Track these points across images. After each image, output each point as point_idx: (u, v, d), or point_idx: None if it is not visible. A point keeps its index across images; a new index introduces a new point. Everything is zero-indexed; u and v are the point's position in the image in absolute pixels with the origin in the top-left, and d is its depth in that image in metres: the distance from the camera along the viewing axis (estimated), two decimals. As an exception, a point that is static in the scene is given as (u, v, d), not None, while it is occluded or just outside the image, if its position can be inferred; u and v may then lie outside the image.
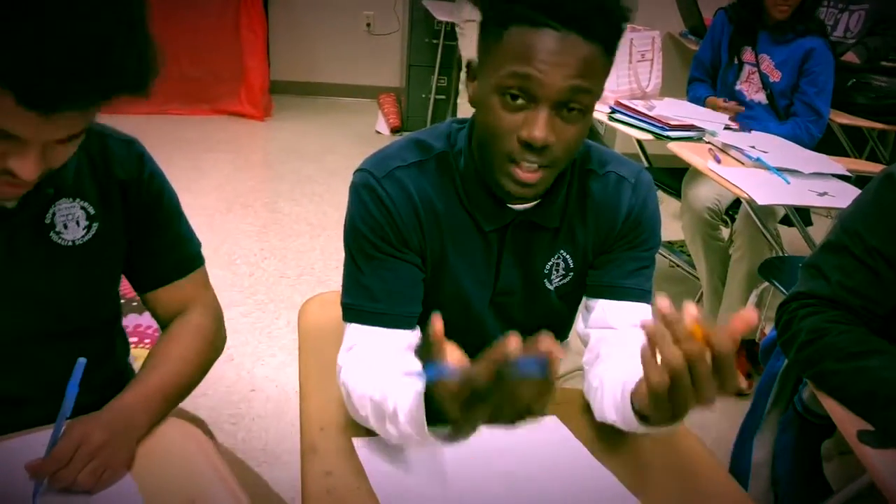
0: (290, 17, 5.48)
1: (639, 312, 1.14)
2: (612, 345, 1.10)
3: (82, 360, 0.90)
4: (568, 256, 1.16)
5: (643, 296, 1.15)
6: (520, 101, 0.95)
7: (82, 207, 1.05)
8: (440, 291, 1.14)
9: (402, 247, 1.08)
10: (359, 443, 1.03)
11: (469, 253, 1.12)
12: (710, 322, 0.93)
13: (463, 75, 4.42)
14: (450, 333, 1.19)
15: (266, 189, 4.01)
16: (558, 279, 1.17)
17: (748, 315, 0.75)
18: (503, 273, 1.14)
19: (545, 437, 1.08)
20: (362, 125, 5.17)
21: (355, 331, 1.08)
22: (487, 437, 1.06)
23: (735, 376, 0.76)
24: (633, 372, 0.91)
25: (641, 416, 0.92)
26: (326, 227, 3.58)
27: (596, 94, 0.97)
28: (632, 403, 0.93)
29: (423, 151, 1.11)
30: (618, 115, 2.90)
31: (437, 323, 0.80)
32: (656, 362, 0.78)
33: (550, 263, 1.15)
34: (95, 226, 1.06)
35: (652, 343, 0.78)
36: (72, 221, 1.04)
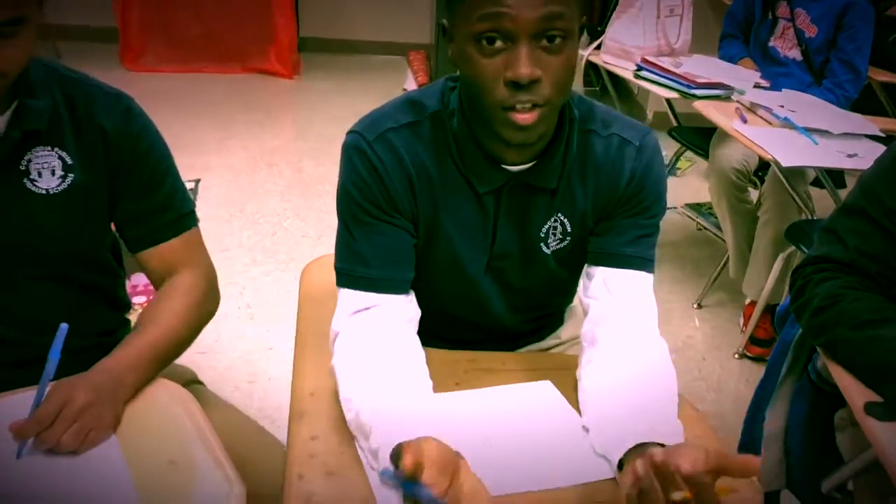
0: (318, -27, 5.43)
1: (639, 282, 1.10)
2: (608, 336, 1.07)
3: (64, 326, 0.91)
4: (565, 220, 1.12)
5: (645, 264, 1.11)
6: (497, 44, 0.92)
7: (59, 157, 1.04)
8: (434, 257, 1.12)
9: (392, 211, 1.06)
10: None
11: (463, 217, 1.10)
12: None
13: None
14: (445, 300, 1.18)
15: (291, 148, 4.00)
16: (555, 243, 1.14)
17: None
18: (499, 237, 1.11)
19: (537, 401, 1.07)
20: (391, 83, 5.12)
21: (348, 296, 1.07)
22: (478, 398, 1.06)
23: None
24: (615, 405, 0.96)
25: None
26: (350, 187, 3.57)
27: (571, 17, 0.93)
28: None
29: (416, 112, 1.08)
30: (644, 73, 2.82)
31: (407, 459, 0.79)
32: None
33: (547, 227, 1.12)
34: (71, 176, 1.05)
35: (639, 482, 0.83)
36: (46, 170, 1.04)
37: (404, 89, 5.00)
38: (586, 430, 1.01)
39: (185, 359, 1.17)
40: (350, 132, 1.08)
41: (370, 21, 5.60)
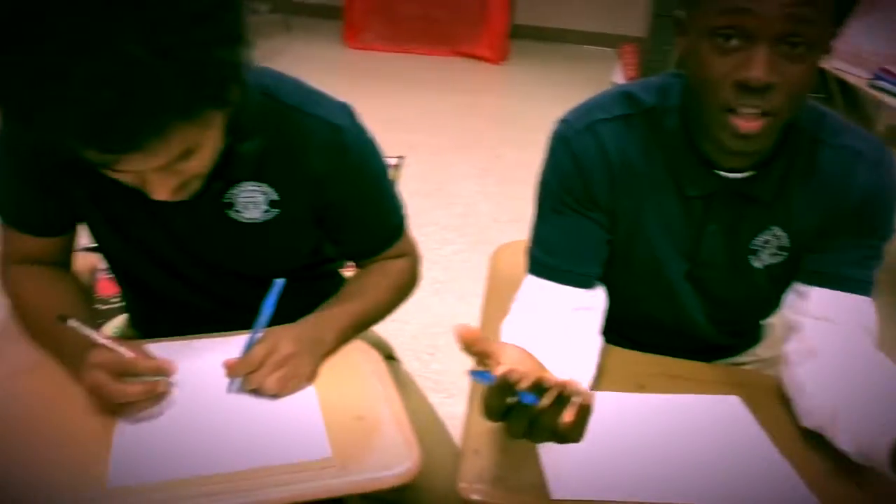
0: (539, -39, 5.44)
1: (860, 306, 1.02)
2: (833, 345, 0.99)
3: (279, 281, 0.98)
4: (782, 234, 1.06)
5: (866, 288, 1.03)
6: (734, 42, 0.87)
7: (264, 193, 1.04)
8: (632, 256, 1.10)
9: (589, 204, 1.05)
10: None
11: (667, 218, 1.06)
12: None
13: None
14: (639, 302, 1.15)
15: (492, 133, 4.06)
16: (768, 257, 1.07)
17: None
18: (704, 244, 1.07)
19: (723, 416, 1.02)
20: (599, 75, 5.04)
21: (530, 281, 1.08)
22: (660, 404, 1.03)
23: None
24: (878, 412, 0.85)
25: None
26: (546, 177, 3.57)
27: (821, 26, 0.86)
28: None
29: (631, 105, 1.05)
30: (882, 84, 2.58)
31: (460, 330, 0.74)
32: None
33: (760, 239, 1.06)
34: (276, 211, 1.06)
35: None
36: (251, 203, 1.04)
37: (612, 82, 4.92)
38: (822, 432, 0.95)
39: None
40: (560, 120, 1.08)
41: (584, 11, 5.54)
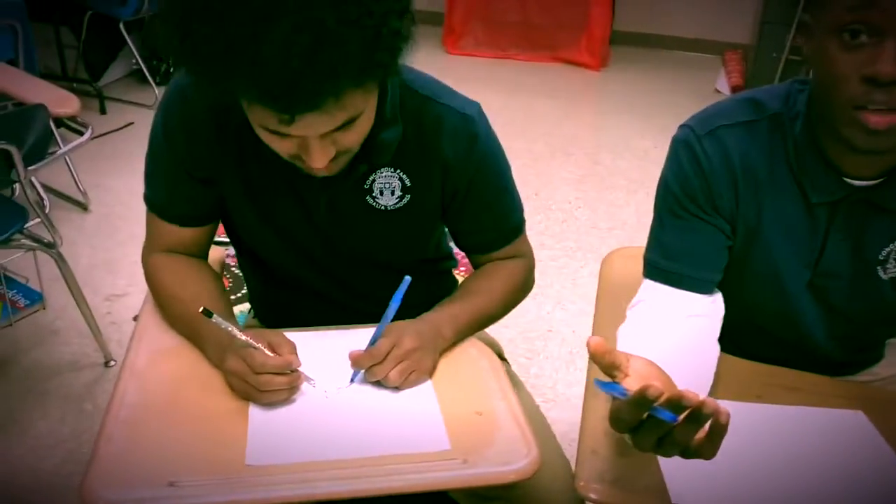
0: (641, -33, 5.38)
1: None
2: None
3: (407, 279, 1.01)
4: None
5: None
6: (862, 38, 0.85)
7: (400, 178, 1.10)
8: (751, 265, 1.08)
9: (711, 210, 1.05)
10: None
11: (789, 226, 1.04)
12: None
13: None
14: (756, 310, 1.13)
15: (590, 139, 4.04)
16: None
17: None
18: (828, 253, 1.05)
19: (847, 431, 1.00)
20: (701, 82, 4.94)
21: (648, 287, 1.08)
22: (781, 415, 1.01)
23: None
24: None
25: None
26: (645, 185, 3.53)
27: None
28: None
29: (755, 111, 1.04)
30: None
31: (592, 342, 0.76)
32: None
33: (889, 250, 1.03)
34: (409, 197, 1.12)
35: None
36: (387, 190, 1.11)
37: (716, 90, 4.82)
38: None
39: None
40: (682, 126, 1.08)
41: (687, 17, 5.44)
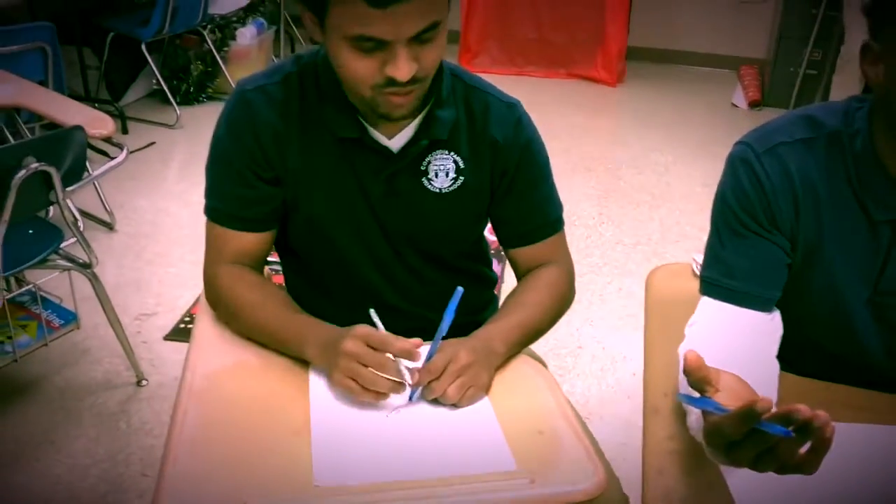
0: (656, -17, 5.40)
1: None
2: None
3: (460, 289, 1.02)
4: None
5: None
6: None
7: (454, 161, 1.16)
8: (810, 282, 1.07)
9: (770, 227, 1.04)
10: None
11: (850, 243, 1.04)
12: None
13: (844, 50, 4.00)
14: (813, 328, 1.12)
15: (610, 155, 4.04)
16: None
17: None
18: (889, 271, 1.04)
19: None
20: (718, 97, 4.94)
21: (707, 304, 1.07)
22: (848, 438, 1.00)
23: None
24: None
25: None
26: (668, 199, 3.53)
27: None
28: None
29: (813, 128, 1.04)
30: None
31: (689, 356, 0.77)
32: None
33: None
34: (461, 179, 1.17)
35: None
36: (442, 171, 1.16)
37: (733, 104, 4.82)
38: None
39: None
40: (738, 143, 1.08)
41: (702, 32, 5.45)
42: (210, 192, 1.18)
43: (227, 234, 1.17)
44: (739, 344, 1.01)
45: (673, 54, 5.54)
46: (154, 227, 3.10)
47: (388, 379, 0.98)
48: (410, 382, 1.00)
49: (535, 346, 1.24)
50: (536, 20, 5.15)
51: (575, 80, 5.17)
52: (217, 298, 1.18)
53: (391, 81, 0.99)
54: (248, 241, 1.18)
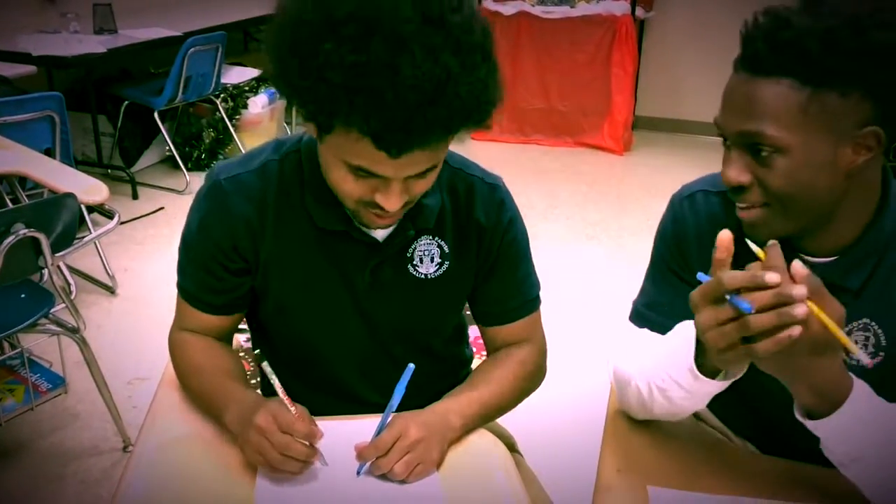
0: (662, 55, 5.48)
1: None
2: None
3: (411, 366, 1.01)
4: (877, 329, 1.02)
5: None
6: None
7: (439, 245, 1.15)
8: None
9: (679, 265, 1.14)
10: (654, 492, 1.01)
11: None
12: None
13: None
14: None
15: (613, 223, 4.04)
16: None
17: None
18: None
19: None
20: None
21: (626, 326, 1.19)
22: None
23: None
24: None
25: None
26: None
27: None
28: None
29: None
30: None
31: (724, 235, 0.88)
32: None
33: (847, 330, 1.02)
34: (447, 264, 1.16)
35: None
36: (427, 257, 1.15)
37: (738, 173, 4.83)
38: None
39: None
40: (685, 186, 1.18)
41: (707, 102, 5.46)
42: (179, 269, 1.18)
43: (190, 310, 1.18)
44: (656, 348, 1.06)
45: (680, 123, 5.59)
46: (154, 293, 3.13)
47: (295, 459, 0.96)
48: (325, 463, 1.00)
49: (511, 414, 1.21)
50: (544, 90, 5.24)
51: (582, 149, 5.22)
52: (174, 362, 1.19)
53: (379, 205, 0.98)
54: (210, 321, 1.18)
